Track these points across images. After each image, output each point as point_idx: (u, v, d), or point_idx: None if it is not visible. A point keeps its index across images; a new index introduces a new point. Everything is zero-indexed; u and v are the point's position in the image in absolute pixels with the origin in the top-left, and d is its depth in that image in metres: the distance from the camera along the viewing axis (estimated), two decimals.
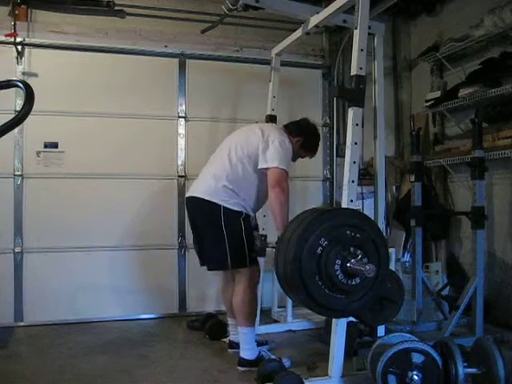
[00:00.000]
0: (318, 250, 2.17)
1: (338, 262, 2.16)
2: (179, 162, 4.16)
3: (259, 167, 2.72)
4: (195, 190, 2.86)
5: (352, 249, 2.19)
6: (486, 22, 3.56)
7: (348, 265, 2.17)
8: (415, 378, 2.12)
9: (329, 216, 2.26)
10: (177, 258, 4.13)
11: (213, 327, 3.39)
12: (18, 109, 3.54)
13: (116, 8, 4.00)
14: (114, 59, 4.03)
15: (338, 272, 2.17)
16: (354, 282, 2.20)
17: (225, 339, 3.24)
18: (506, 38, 3.49)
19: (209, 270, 2.95)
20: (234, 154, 2.79)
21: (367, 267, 2.13)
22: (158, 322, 3.94)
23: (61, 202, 3.87)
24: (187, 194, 2.94)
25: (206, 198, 2.74)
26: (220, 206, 2.71)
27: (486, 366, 2.16)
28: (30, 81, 3.35)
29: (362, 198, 3.71)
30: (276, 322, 3.79)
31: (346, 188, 2.42)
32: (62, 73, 3.92)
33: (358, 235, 2.22)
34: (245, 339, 2.77)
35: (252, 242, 2.81)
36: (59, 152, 3.88)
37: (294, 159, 2.99)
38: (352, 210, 2.37)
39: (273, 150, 2.70)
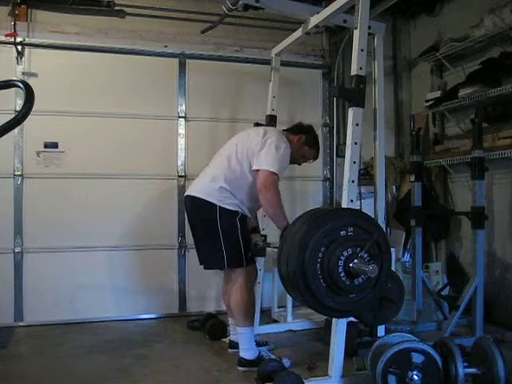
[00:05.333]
0: (321, 250, 2.18)
1: (341, 262, 2.17)
2: (179, 162, 4.15)
3: (253, 168, 2.73)
4: (193, 189, 2.89)
5: (355, 249, 2.20)
6: (485, 21, 3.56)
7: (351, 265, 2.18)
8: (415, 377, 2.12)
9: (332, 216, 2.26)
10: (177, 257, 4.12)
11: (213, 327, 3.38)
12: (18, 109, 3.55)
13: (116, 8, 4.00)
14: (114, 59, 4.03)
15: (340, 272, 2.18)
16: (356, 282, 2.20)
17: (225, 339, 3.25)
18: (506, 38, 3.49)
19: (205, 268, 2.95)
20: (234, 155, 2.79)
21: (370, 267, 2.13)
22: (158, 322, 3.94)
23: (61, 202, 3.87)
24: (185, 193, 2.96)
25: (203, 197, 2.76)
26: (216, 205, 2.71)
27: (486, 366, 2.16)
28: (30, 81, 3.34)
29: (361, 198, 3.71)
30: (276, 321, 3.79)
31: (345, 188, 2.42)
32: (62, 73, 3.93)
33: (360, 235, 2.22)
34: (244, 339, 2.77)
35: (248, 242, 2.82)
36: (59, 152, 3.87)
37: (298, 161, 3.01)
38: (354, 210, 2.37)
39: (267, 152, 2.69)
